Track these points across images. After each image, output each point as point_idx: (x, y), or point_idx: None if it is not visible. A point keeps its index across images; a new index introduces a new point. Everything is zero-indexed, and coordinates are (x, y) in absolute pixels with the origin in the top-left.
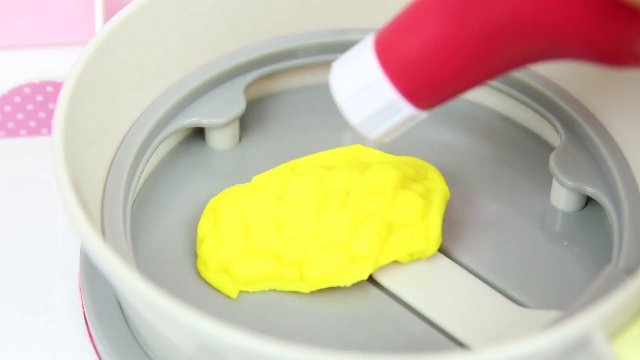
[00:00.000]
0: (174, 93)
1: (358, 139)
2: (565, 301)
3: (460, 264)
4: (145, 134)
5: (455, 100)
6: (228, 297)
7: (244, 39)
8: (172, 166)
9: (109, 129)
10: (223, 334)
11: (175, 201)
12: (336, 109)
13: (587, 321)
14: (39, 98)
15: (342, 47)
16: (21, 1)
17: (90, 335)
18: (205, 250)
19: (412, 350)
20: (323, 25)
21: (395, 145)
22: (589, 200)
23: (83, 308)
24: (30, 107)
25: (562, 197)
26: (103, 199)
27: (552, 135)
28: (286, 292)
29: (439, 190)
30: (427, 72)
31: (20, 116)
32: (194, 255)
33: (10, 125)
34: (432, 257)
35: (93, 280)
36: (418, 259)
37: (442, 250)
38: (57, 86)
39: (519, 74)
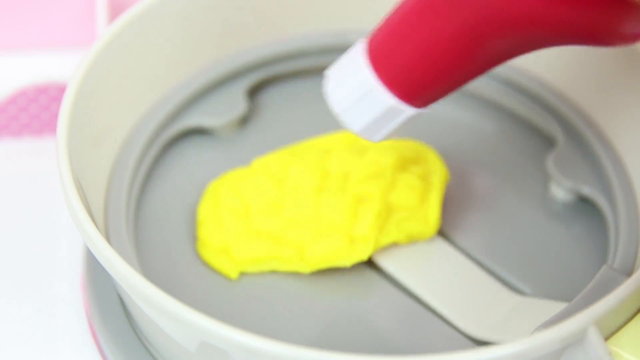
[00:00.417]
0: (176, 95)
1: None
2: (563, 290)
3: (459, 247)
4: (148, 136)
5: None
6: (228, 278)
7: (245, 41)
8: (172, 153)
9: (113, 130)
10: (225, 332)
11: (175, 186)
12: None
13: (583, 320)
14: (43, 100)
15: (343, 49)
16: (25, 4)
17: (93, 334)
18: (205, 231)
19: (408, 334)
20: (324, 27)
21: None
22: (585, 203)
23: (86, 306)
24: (34, 108)
25: (559, 197)
26: (106, 199)
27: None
28: (286, 273)
29: (438, 173)
30: (420, 74)
31: (24, 118)
32: (194, 239)
33: (14, 126)
34: (430, 239)
35: (96, 279)
36: (417, 241)
37: (441, 232)
38: (61, 88)
39: (517, 76)
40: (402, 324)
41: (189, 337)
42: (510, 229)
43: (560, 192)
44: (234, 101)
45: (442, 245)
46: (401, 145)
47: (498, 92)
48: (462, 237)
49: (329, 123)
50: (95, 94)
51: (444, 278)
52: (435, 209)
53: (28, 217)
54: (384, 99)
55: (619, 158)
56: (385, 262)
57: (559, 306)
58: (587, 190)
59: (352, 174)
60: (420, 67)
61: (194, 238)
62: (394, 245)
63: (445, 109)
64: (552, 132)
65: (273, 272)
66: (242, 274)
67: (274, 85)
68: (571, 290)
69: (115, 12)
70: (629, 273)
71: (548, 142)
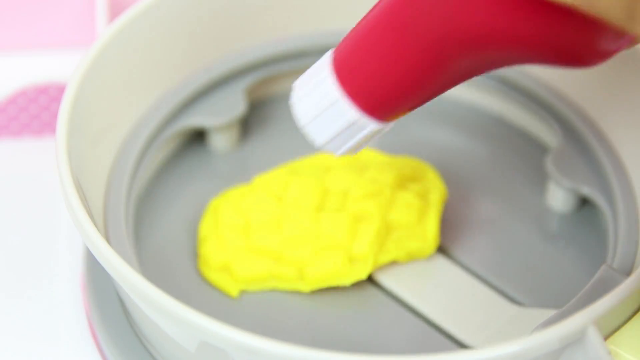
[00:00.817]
0: (176, 94)
1: None
2: (561, 300)
3: (458, 264)
4: (148, 135)
5: (453, 102)
6: (229, 296)
7: (245, 41)
8: (173, 168)
9: (112, 130)
10: (225, 332)
11: (177, 202)
12: None
13: (583, 319)
14: (43, 100)
15: None
16: (25, 4)
17: (93, 334)
18: (207, 250)
19: (411, 350)
20: (324, 27)
21: (394, 145)
22: (584, 203)
23: (86, 306)
24: (34, 108)
25: (558, 198)
26: (106, 199)
27: (548, 136)
28: (286, 291)
29: (437, 190)
30: (385, 88)
31: (24, 118)
32: (195, 255)
33: (14, 126)
34: (430, 256)
35: (96, 279)
36: (416, 259)
37: (440, 249)
38: (61, 88)
39: (516, 76)
40: (404, 340)
41: (189, 337)
42: (509, 244)
43: (559, 198)
44: (233, 101)
45: (441, 261)
46: (400, 162)
47: (498, 93)
48: (462, 253)
49: None
50: (94, 94)
51: (444, 293)
52: (434, 227)
53: (28, 217)
54: (347, 112)
55: (618, 158)
56: (385, 279)
57: None
58: (587, 190)
59: (352, 192)
60: (384, 81)
61: (194, 254)
62: (394, 262)
63: (443, 129)
64: (550, 140)
65: (273, 290)
66: (243, 292)
67: (274, 85)
68: (568, 301)
69: (115, 12)
70: (628, 273)
71: (546, 152)
